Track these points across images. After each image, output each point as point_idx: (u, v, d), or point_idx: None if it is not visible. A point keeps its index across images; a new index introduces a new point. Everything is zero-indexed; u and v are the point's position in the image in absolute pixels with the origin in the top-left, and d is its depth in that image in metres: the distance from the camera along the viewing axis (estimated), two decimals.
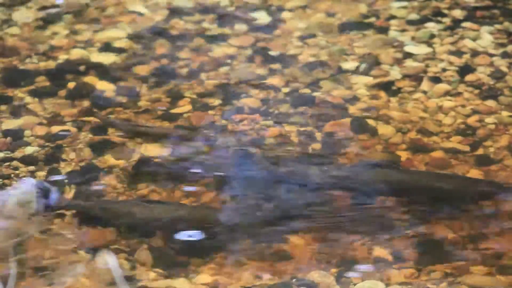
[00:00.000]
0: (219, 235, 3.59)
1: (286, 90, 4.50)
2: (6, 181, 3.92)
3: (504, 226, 3.65)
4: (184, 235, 3.58)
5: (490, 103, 4.37)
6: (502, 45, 4.78)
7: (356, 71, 4.60)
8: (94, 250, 3.55)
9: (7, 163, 4.04)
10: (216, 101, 4.42)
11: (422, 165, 3.96)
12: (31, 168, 4.01)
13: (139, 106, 4.41)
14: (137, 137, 4.20)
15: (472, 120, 4.26)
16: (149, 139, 4.18)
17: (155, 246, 3.58)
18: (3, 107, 4.43)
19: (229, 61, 4.73)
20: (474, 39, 4.84)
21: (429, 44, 4.82)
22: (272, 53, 4.78)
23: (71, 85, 4.55)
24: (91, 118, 4.32)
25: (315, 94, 4.45)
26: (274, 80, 4.56)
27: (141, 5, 5.21)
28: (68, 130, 4.24)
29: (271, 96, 4.45)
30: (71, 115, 4.35)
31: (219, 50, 4.81)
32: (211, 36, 4.94)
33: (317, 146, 4.11)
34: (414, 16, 5.07)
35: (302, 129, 4.21)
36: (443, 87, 4.48)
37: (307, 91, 4.48)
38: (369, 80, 4.55)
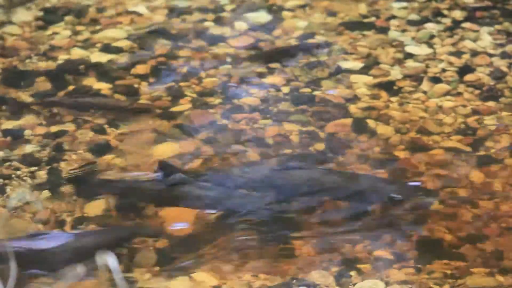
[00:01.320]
0: None
1: (286, 89, 4.50)
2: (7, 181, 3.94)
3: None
4: None
5: (490, 103, 4.37)
6: (502, 45, 4.79)
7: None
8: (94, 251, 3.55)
9: (7, 163, 4.05)
10: (216, 100, 4.43)
11: (422, 164, 3.96)
12: (32, 168, 4.01)
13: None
14: (83, 112, 4.30)
15: (472, 120, 4.26)
16: (100, 113, 4.28)
17: (155, 247, 3.58)
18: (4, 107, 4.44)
19: (229, 59, 4.74)
20: (474, 40, 4.84)
21: (429, 45, 4.82)
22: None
23: (71, 86, 4.56)
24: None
25: (315, 93, 4.46)
26: (274, 79, 4.56)
27: (141, 5, 5.21)
28: (67, 130, 4.26)
29: (271, 95, 4.46)
30: (70, 114, 4.35)
31: (219, 49, 4.82)
32: (211, 35, 4.95)
33: (319, 146, 4.12)
34: (414, 16, 5.07)
35: (303, 128, 4.22)
36: (443, 87, 4.48)
37: (307, 90, 4.49)
38: (370, 79, 4.55)
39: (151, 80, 4.59)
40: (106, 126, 4.26)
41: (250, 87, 4.51)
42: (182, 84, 4.55)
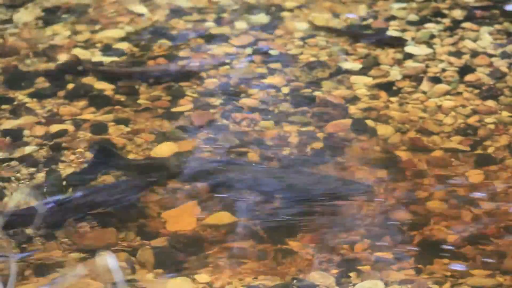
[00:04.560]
0: None
1: (286, 90, 4.50)
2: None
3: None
4: None
5: (490, 103, 4.37)
6: (502, 45, 4.78)
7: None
8: (94, 251, 3.55)
9: (6, 164, 4.04)
10: (217, 101, 4.42)
11: (422, 164, 3.96)
12: (31, 169, 4.01)
13: (138, 105, 4.42)
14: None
15: (472, 120, 4.26)
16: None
17: (156, 246, 3.59)
18: (4, 107, 4.43)
19: (229, 60, 4.74)
20: (474, 40, 4.84)
21: (429, 45, 4.82)
22: (272, 52, 4.79)
23: (70, 86, 4.55)
24: None
25: (315, 93, 4.45)
26: (274, 80, 4.56)
27: (141, 5, 5.21)
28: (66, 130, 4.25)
29: (271, 95, 4.46)
30: (70, 114, 4.35)
31: (219, 50, 4.82)
32: (211, 36, 4.95)
33: (318, 145, 4.13)
34: (413, 16, 5.07)
35: (303, 129, 4.22)
36: (443, 87, 4.48)
37: (307, 90, 4.49)
38: (369, 80, 4.55)
39: (151, 79, 4.60)
40: (106, 125, 4.27)
41: (250, 88, 4.51)
42: (182, 84, 4.55)
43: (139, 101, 4.44)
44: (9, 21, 5.09)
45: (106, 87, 4.53)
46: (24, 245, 3.59)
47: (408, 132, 4.18)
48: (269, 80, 4.56)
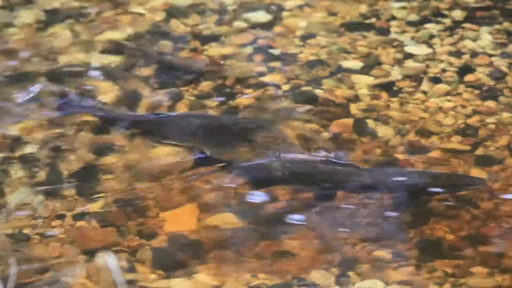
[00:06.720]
0: None
1: (286, 88, 4.50)
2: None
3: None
4: None
5: (490, 103, 4.37)
6: (502, 45, 4.78)
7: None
8: (94, 251, 3.56)
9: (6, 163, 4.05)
10: (213, 103, 4.43)
11: (421, 164, 3.97)
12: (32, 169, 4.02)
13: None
14: None
15: (472, 121, 4.26)
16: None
17: (156, 246, 3.59)
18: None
19: (228, 60, 4.74)
20: (474, 40, 4.84)
21: (429, 45, 4.82)
22: (272, 51, 4.80)
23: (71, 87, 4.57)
24: None
25: (315, 92, 4.45)
26: (274, 79, 4.57)
27: (141, 6, 5.21)
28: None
29: (270, 95, 4.46)
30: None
31: (218, 49, 4.82)
32: (210, 35, 4.95)
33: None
34: (414, 16, 5.07)
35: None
36: (443, 87, 4.48)
37: (307, 89, 4.49)
38: (370, 80, 4.55)
39: (152, 81, 4.60)
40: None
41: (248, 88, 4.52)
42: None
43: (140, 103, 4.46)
44: (10, 23, 5.10)
45: (107, 90, 4.55)
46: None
47: (408, 133, 4.18)
48: (267, 79, 4.56)
